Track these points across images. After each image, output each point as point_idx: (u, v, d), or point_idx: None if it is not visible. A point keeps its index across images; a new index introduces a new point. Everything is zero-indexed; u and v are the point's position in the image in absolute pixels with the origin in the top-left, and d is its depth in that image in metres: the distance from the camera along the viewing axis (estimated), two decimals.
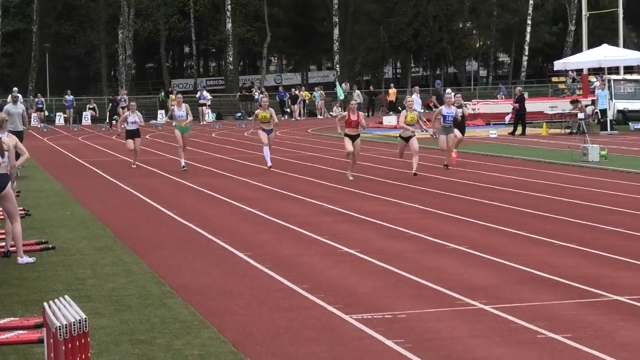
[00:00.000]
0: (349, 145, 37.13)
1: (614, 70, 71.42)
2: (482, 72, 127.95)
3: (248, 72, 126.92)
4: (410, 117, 37.93)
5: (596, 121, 62.60)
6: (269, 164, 41.00)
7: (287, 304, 17.14)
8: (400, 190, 33.05)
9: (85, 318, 9.85)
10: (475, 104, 78.78)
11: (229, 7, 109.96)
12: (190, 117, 44.17)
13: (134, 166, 44.16)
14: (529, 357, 13.45)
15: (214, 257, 21.93)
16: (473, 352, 13.68)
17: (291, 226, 26.09)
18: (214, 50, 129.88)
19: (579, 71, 77.86)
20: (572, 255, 20.95)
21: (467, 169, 39.99)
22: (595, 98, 65.32)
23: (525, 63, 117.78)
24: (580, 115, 60.49)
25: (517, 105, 63.97)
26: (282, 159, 47.85)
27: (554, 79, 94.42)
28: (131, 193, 34.91)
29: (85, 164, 49.07)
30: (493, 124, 68.87)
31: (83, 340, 9.76)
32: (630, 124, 64.14)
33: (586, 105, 63.53)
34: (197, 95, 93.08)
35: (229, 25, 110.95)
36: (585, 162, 41.92)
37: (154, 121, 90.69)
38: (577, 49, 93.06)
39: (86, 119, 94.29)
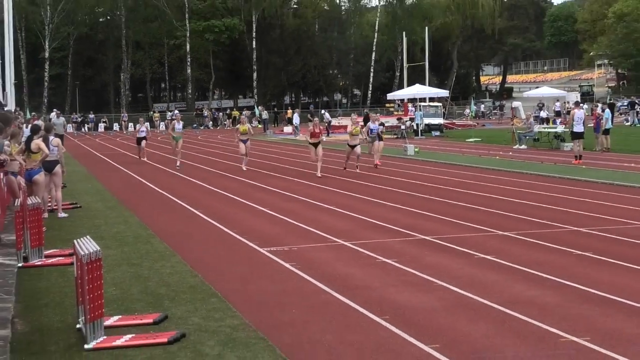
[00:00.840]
0: (312, 152, 32.31)
1: (422, 100, 71.98)
2: (344, 100, 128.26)
3: (200, 99, 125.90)
4: (355, 130, 33.05)
5: (412, 130, 62.90)
6: (244, 168, 34.82)
7: (224, 241, 17.13)
8: (296, 174, 33.04)
9: (100, 250, 9.80)
10: (341, 119, 79.23)
11: (189, 59, 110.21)
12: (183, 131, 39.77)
13: (144, 158, 41.26)
14: (370, 273, 13.52)
15: (178, 213, 21.87)
16: (337, 271, 13.73)
17: (227, 194, 26.05)
18: (179, 85, 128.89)
19: (402, 100, 78.29)
20: (399, 212, 21.07)
21: (335, 159, 40.01)
22: (412, 116, 65.92)
23: (370, 95, 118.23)
24: (402, 127, 60.85)
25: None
26: (222, 152, 47.72)
27: (387, 105, 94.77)
28: (127, 173, 34.71)
29: (100, 155, 48.67)
30: None
31: (98, 263, 9.71)
32: (432, 132, 64.67)
33: (406, 121, 63.93)
34: (171, 114, 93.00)
35: (188, 71, 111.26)
36: (406, 155, 42.20)
37: None
38: (401, 86, 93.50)
39: (101, 128, 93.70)
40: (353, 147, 32.75)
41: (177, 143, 37.63)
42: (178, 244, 16.74)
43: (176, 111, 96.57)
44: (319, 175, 30.87)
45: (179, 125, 38.43)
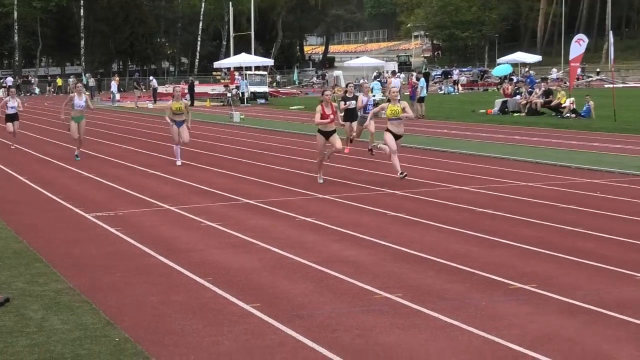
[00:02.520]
0: (320, 144, 19.54)
1: (248, 68, 71.98)
2: (172, 68, 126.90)
3: (27, 67, 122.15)
4: (392, 110, 18.93)
5: (238, 98, 62.74)
6: (179, 162, 23.63)
7: (49, 207, 16.80)
8: (121, 139, 32.50)
9: None
10: (168, 87, 78.60)
11: (16, 27, 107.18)
12: (92, 106, 27.44)
13: (13, 148, 29.61)
14: (194, 236, 13.46)
15: (2, 179, 21.32)
16: (162, 234, 13.62)
17: (52, 160, 25.53)
18: (6, 53, 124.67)
19: (229, 68, 78.02)
20: (224, 177, 21.08)
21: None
22: (239, 84, 65.77)
23: (197, 63, 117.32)
24: (229, 94, 60.75)
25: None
26: (44, 119, 46.49)
27: (214, 73, 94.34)
28: None
29: None
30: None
31: None
32: (258, 100, 64.72)
33: (232, 89, 63.83)
34: (2, 82, 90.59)
35: (16, 38, 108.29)
36: (231, 122, 42.19)
37: None
38: (227, 55, 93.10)
39: None
40: (397, 137, 19.39)
41: (79, 125, 25.68)
42: (2, 210, 16.29)
43: (9, 78, 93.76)
44: (320, 181, 19.61)
45: (79, 101, 25.53)
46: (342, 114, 24.54)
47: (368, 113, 24.80)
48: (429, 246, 12.34)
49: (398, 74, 47.11)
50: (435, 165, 23.16)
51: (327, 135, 19.43)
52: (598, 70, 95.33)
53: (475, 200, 16.81)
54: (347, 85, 28.60)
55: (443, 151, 26.67)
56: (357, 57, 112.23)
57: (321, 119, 19.41)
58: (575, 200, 16.66)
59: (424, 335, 8.23)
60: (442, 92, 75.46)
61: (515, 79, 65.45)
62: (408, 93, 45.51)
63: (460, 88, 78.25)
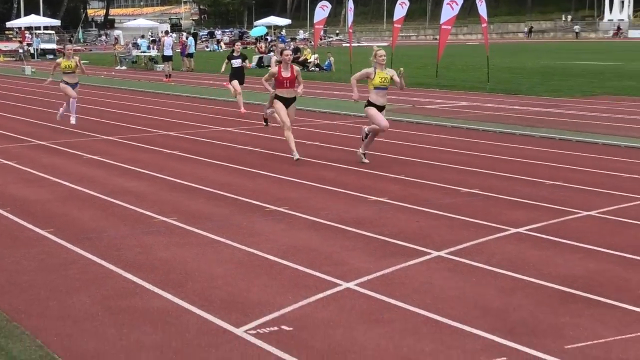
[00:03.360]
0: (282, 114, 13.95)
1: (38, 28, 68.90)
2: None
3: None
4: (381, 76, 13.33)
5: (30, 54, 60.01)
6: (73, 121, 18.52)
7: None
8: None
9: None
10: None
11: None
12: None
13: None
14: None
15: None
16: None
17: None
18: None
19: (20, 28, 74.31)
20: (16, 122, 20.22)
21: None
22: (30, 42, 63.07)
23: None
24: (21, 51, 58.10)
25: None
26: None
27: (7, 32, 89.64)
28: None
29: None
30: None
31: None
32: (47, 55, 62.13)
33: (24, 45, 61.11)
34: None
35: None
36: (23, 75, 40.48)
37: None
38: (18, 16, 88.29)
39: None
40: (382, 108, 13.67)
41: None
42: None
43: None
44: (297, 157, 13.63)
45: None
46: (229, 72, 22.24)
47: None
48: (199, 178, 12.37)
49: (170, 33, 46.64)
50: (202, 110, 23.11)
51: (287, 102, 14.09)
52: (337, 32, 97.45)
53: (236, 139, 16.94)
54: (234, 44, 24.44)
55: (209, 99, 26.62)
56: (135, 19, 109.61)
57: (277, 83, 14.11)
58: (319, 137, 17.09)
59: (196, 250, 8.30)
60: (209, 49, 75.32)
61: (269, 38, 66.15)
62: (179, 50, 45.29)
63: (223, 46, 78.01)
